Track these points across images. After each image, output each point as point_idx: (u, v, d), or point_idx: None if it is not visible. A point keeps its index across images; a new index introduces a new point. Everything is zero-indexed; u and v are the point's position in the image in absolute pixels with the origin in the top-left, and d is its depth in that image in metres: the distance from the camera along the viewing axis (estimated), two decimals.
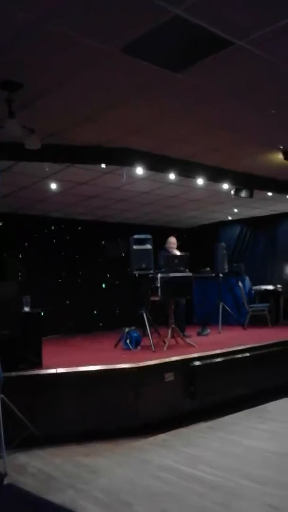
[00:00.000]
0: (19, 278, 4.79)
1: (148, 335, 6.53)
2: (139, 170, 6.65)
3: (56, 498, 3.34)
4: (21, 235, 9.46)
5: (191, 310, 9.79)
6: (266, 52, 3.79)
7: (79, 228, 10.36)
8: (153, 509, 3.32)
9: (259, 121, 5.37)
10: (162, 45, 3.67)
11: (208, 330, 8.26)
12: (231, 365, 5.98)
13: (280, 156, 6.68)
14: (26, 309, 5.61)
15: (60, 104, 4.72)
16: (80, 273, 10.21)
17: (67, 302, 9.74)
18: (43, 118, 4.92)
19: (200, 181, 7.45)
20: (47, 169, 6.37)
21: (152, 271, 6.74)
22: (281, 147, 6.40)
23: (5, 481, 1.84)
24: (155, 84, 4.33)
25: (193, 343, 6.65)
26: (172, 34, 3.49)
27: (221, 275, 8.80)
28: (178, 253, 7.88)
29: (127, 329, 6.81)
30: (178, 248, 8.12)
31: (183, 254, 7.69)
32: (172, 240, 8.13)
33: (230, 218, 11.52)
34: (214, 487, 3.62)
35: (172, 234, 8.36)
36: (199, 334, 8.05)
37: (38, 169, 6.37)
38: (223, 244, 9.25)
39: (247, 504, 3.33)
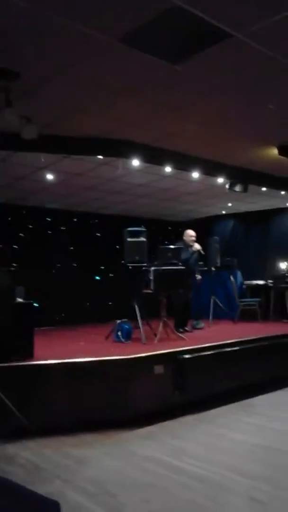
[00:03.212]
0: (13, 268, 4.79)
1: (139, 327, 6.56)
2: (135, 162, 6.65)
3: (43, 488, 3.38)
4: (16, 225, 9.44)
5: None
6: (264, 45, 3.77)
7: (74, 220, 10.35)
8: (137, 500, 3.36)
9: (256, 115, 5.38)
10: (161, 36, 3.64)
11: (202, 324, 8.31)
12: (220, 358, 6.03)
13: (275, 151, 6.70)
14: (19, 299, 5.64)
15: (58, 95, 4.70)
16: (74, 264, 10.21)
17: (61, 293, 9.74)
18: (40, 108, 4.90)
19: (195, 174, 7.46)
20: (43, 160, 6.35)
21: (145, 264, 6.75)
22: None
23: None
24: (153, 76, 4.32)
25: (183, 336, 6.69)
26: (171, 25, 3.47)
27: (213, 269, 8.83)
28: (198, 246, 7.78)
29: (118, 321, 6.84)
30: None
31: (200, 249, 7.72)
32: (191, 233, 7.77)
33: (224, 212, 11.54)
34: (200, 479, 3.67)
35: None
36: (194, 327, 8.11)
37: (34, 160, 6.35)
38: (216, 238, 9.27)
39: (233, 497, 3.38)
